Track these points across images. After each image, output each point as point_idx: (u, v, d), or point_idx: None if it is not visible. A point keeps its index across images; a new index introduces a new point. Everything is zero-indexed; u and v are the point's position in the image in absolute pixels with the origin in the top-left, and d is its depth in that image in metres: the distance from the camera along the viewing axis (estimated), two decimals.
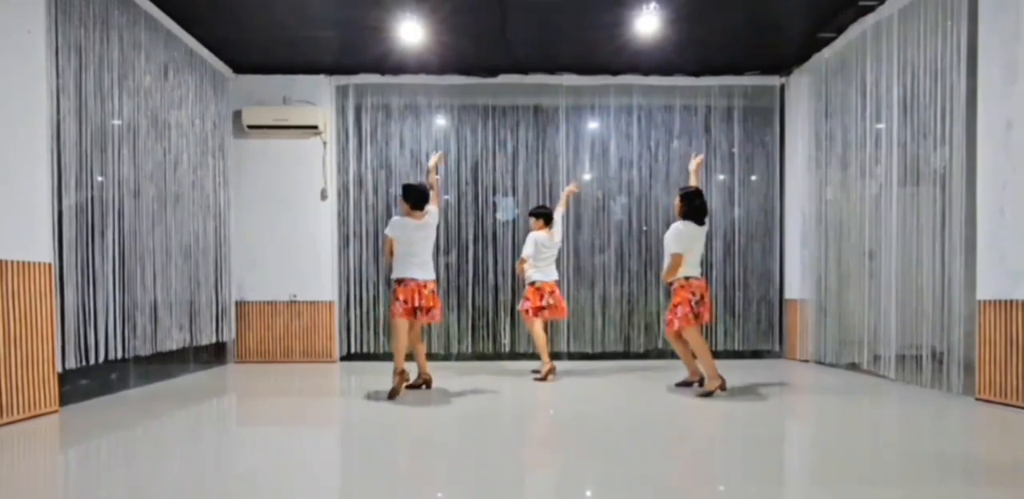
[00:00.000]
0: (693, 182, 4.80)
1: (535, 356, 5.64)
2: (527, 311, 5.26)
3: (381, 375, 5.00)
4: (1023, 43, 3.79)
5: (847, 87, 5.56)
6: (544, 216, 5.41)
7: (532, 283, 5.28)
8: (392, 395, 4.29)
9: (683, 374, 4.91)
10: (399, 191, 4.76)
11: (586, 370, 5.74)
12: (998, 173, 3.97)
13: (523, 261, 5.26)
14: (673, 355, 6.57)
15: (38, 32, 3.75)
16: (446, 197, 6.61)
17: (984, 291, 4.07)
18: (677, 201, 4.58)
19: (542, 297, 5.24)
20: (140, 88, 4.84)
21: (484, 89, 6.61)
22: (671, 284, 4.53)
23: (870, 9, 5.10)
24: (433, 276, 4.52)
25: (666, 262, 4.48)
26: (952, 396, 4.29)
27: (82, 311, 4.15)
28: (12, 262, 3.52)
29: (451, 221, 6.64)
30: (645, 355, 6.64)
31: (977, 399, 4.10)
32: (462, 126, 6.69)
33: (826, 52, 5.86)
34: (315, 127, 6.33)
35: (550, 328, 6.51)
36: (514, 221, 6.65)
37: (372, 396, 4.43)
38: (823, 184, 6.00)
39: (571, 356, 6.60)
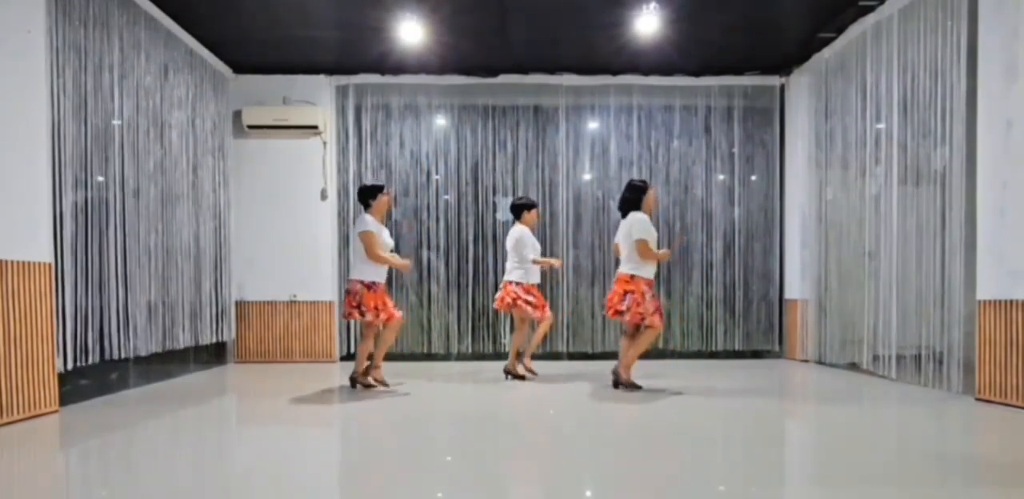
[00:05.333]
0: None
1: (533, 356, 5.62)
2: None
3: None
4: (1023, 43, 3.79)
5: (847, 87, 5.56)
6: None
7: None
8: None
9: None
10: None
11: (585, 370, 5.74)
12: (998, 173, 3.96)
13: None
14: (672, 355, 6.61)
15: (38, 32, 3.74)
16: (446, 197, 6.63)
17: (984, 291, 4.06)
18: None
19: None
20: (140, 88, 4.83)
21: (484, 89, 6.60)
22: None
23: (870, 9, 5.10)
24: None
25: None
26: (952, 396, 4.29)
27: (82, 311, 4.15)
28: (12, 262, 3.52)
29: (451, 221, 6.64)
30: (643, 355, 6.61)
31: (977, 399, 4.09)
32: (462, 126, 6.69)
33: (826, 52, 5.86)
34: (315, 127, 6.34)
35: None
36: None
37: (372, 396, 4.44)
38: (823, 184, 6.00)
39: (571, 356, 6.60)
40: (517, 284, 5.12)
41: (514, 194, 6.61)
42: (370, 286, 4.56)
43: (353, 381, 4.72)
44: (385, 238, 4.69)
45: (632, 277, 4.49)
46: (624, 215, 4.66)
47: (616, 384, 4.62)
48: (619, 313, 4.49)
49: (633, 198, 4.62)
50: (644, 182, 4.72)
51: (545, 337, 5.82)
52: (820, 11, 5.24)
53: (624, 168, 6.69)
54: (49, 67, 3.85)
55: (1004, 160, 3.92)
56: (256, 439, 3.49)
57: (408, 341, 6.58)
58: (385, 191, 4.76)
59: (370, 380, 4.71)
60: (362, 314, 4.51)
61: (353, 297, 4.55)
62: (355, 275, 4.61)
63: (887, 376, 4.99)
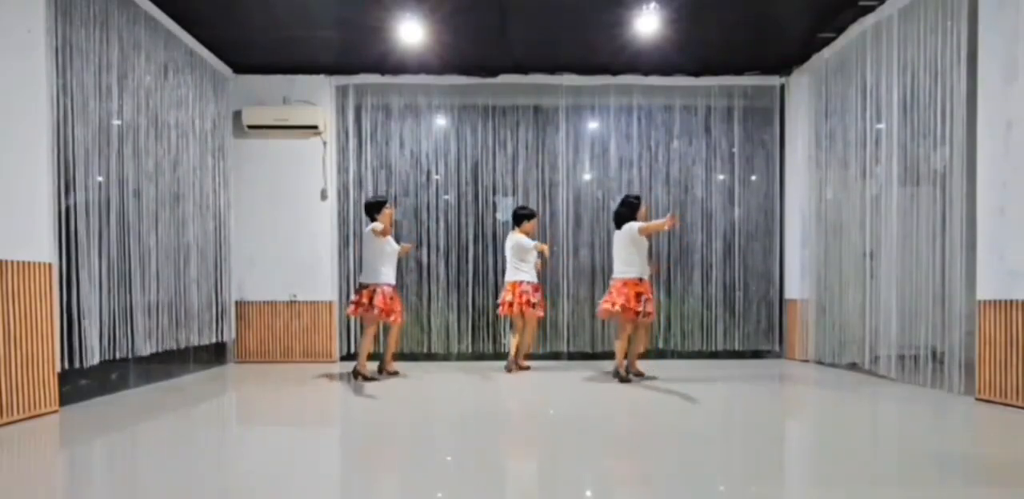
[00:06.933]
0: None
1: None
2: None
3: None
4: (1023, 43, 3.79)
5: (847, 87, 5.56)
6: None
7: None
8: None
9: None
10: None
11: (585, 370, 5.74)
12: (998, 173, 3.96)
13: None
14: (672, 355, 6.62)
15: (38, 32, 3.74)
16: (446, 197, 6.64)
17: (984, 291, 4.06)
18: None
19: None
20: (140, 88, 4.83)
21: (484, 89, 6.60)
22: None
23: (870, 9, 5.10)
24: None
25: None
26: (952, 396, 4.29)
27: (82, 311, 4.15)
28: (12, 262, 3.52)
29: (451, 221, 6.65)
30: (644, 355, 6.61)
31: (977, 399, 4.10)
32: (462, 126, 6.69)
33: (826, 52, 5.86)
34: (315, 127, 6.33)
35: (548, 326, 6.53)
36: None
37: (372, 395, 4.44)
38: (823, 184, 6.00)
39: (571, 356, 6.60)
40: (528, 283, 5.49)
41: (514, 194, 6.63)
42: (392, 287, 5.15)
43: (355, 373, 5.12)
44: (391, 243, 5.16)
45: (641, 280, 4.97)
46: (619, 227, 5.09)
47: (620, 378, 5.03)
48: (638, 315, 4.91)
49: (628, 212, 5.10)
50: (638, 198, 5.19)
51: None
52: (820, 11, 5.24)
53: (624, 168, 6.69)
54: (49, 67, 3.85)
55: (1004, 160, 3.92)
56: (256, 439, 3.49)
57: (408, 341, 6.58)
58: (388, 205, 5.21)
59: (372, 372, 5.20)
60: (388, 314, 5.04)
61: (386, 298, 5.04)
62: (385, 279, 5.13)
63: (887, 376, 4.99)
